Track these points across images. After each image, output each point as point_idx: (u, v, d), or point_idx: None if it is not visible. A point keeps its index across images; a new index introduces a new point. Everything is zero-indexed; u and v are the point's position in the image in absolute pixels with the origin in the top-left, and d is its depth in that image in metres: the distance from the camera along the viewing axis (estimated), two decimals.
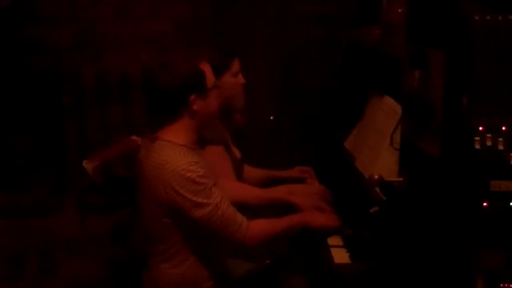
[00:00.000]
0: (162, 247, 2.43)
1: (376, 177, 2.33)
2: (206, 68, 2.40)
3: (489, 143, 1.80)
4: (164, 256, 2.43)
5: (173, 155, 2.31)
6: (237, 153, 2.99)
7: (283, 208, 2.77)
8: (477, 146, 1.80)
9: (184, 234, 2.39)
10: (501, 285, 1.85)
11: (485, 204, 1.80)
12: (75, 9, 4.10)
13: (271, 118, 4.07)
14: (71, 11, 4.10)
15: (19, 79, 4.10)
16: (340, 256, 2.41)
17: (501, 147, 1.80)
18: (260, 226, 2.43)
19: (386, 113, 2.76)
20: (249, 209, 2.59)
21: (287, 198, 2.76)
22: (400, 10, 2.66)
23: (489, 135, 1.80)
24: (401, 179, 2.30)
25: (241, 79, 2.89)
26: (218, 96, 2.45)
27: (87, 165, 3.37)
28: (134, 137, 3.57)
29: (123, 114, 4.21)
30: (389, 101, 2.77)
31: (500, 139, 1.80)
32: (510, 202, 1.80)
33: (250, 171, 3.14)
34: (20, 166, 4.15)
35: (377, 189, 2.45)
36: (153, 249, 2.46)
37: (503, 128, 1.80)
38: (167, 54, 2.42)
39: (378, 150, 2.73)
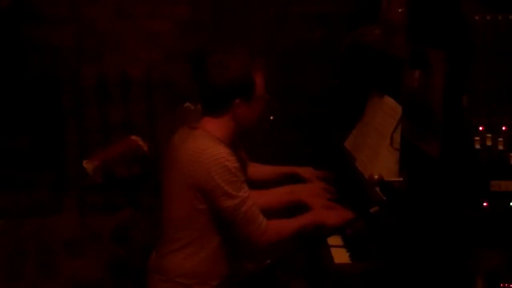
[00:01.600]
0: (182, 233, 2.46)
1: (376, 177, 2.33)
2: (259, 79, 2.51)
3: (489, 143, 1.79)
4: (182, 242, 2.46)
5: (213, 144, 2.41)
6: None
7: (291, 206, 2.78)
8: (477, 146, 1.80)
9: (208, 222, 2.43)
10: (501, 285, 1.85)
11: (485, 204, 1.80)
12: (75, 9, 4.10)
13: (271, 118, 4.07)
14: (71, 11, 4.10)
15: (19, 79, 4.10)
16: (340, 256, 2.42)
17: (501, 147, 1.79)
18: (276, 229, 2.47)
19: (386, 113, 2.76)
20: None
21: (299, 198, 2.78)
22: (400, 10, 2.66)
23: (489, 135, 1.80)
24: (401, 179, 2.29)
25: None
26: (261, 107, 2.54)
27: (87, 165, 3.38)
28: (134, 137, 3.58)
29: (123, 114, 4.21)
30: (389, 101, 2.77)
31: (500, 139, 1.80)
32: (510, 202, 1.80)
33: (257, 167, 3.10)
34: (20, 166, 4.14)
35: (377, 189, 2.45)
36: (171, 235, 2.49)
37: (503, 128, 1.80)
38: (227, 51, 2.46)
39: (378, 150, 2.72)
